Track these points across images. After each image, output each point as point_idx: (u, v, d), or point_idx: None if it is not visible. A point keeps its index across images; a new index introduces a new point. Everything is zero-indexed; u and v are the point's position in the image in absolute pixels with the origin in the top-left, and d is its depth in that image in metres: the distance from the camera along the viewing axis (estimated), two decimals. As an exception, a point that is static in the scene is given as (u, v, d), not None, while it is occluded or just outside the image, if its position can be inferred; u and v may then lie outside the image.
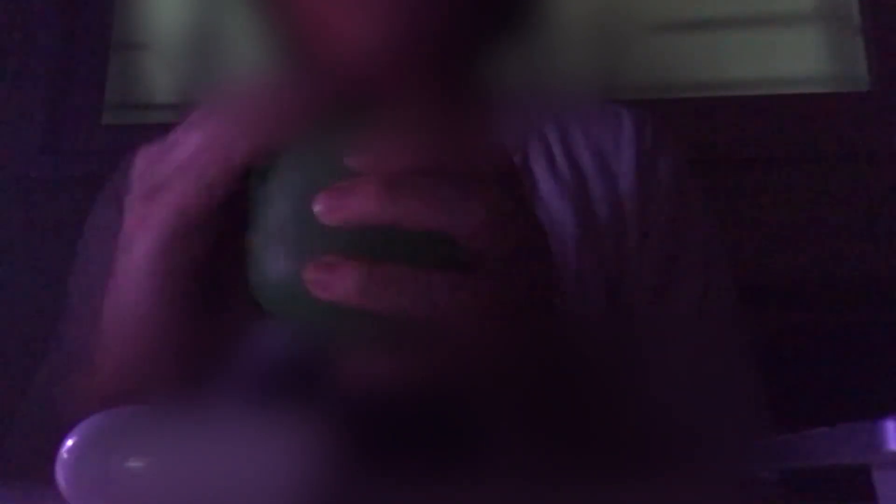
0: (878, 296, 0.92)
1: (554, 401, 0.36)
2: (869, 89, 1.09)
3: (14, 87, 1.13)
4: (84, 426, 0.26)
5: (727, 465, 0.43)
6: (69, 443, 0.26)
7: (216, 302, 0.35)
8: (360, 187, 0.29)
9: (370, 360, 0.40)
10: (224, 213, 0.32)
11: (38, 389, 0.56)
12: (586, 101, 0.62)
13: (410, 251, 0.30)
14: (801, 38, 1.13)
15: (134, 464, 0.25)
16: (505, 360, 0.33)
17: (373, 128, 0.31)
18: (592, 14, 1.05)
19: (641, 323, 0.53)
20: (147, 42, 1.19)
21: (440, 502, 0.31)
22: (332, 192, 0.29)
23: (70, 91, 1.16)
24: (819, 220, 1.01)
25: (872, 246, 0.99)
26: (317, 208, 0.29)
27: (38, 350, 0.59)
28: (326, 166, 0.30)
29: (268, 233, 0.31)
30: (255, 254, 0.31)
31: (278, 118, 0.31)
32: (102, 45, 1.18)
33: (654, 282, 0.54)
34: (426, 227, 0.29)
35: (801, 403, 0.57)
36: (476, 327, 0.30)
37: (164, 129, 0.34)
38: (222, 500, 0.26)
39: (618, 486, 0.32)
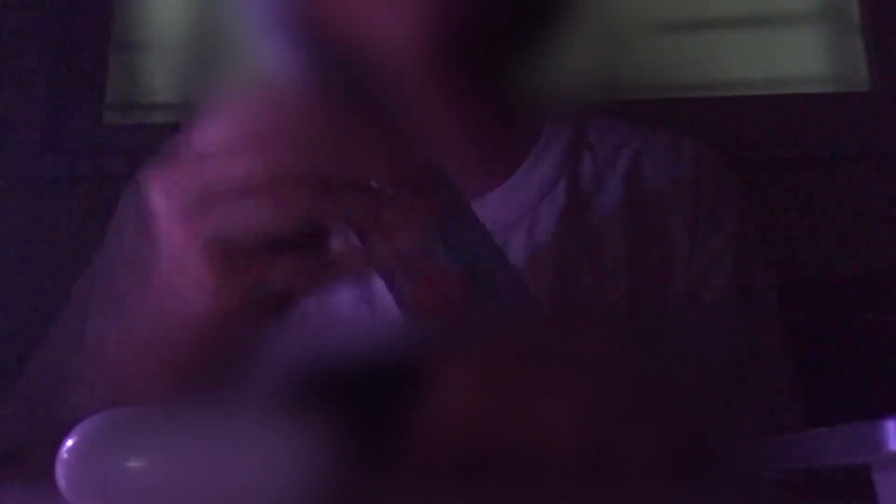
0: (878, 296, 0.92)
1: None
2: (869, 89, 1.08)
3: (14, 87, 1.13)
4: (84, 426, 0.26)
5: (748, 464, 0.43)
6: (69, 443, 0.25)
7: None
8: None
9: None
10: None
11: (32, 380, 0.56)
12: (647, 128, 0.63)
13: None
14: (801, 38, 1.13)
15: (134, 464, 0.25)
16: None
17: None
18: (591, 14, 1.05)
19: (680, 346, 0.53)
20: (147, 42, 1.19)
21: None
22: None
23: (70, 91, 1.15)
24: (819, 221, 1.01)
25: (872, 246, 0.99)
26: None
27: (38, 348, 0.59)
28: None
29: None
30: None
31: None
32: (102, 45, 1.18)
33: (702, 315, 0.55)
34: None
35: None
36: None
37: (165, 128, 0.34)
38: (222, 501, 0.26)
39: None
